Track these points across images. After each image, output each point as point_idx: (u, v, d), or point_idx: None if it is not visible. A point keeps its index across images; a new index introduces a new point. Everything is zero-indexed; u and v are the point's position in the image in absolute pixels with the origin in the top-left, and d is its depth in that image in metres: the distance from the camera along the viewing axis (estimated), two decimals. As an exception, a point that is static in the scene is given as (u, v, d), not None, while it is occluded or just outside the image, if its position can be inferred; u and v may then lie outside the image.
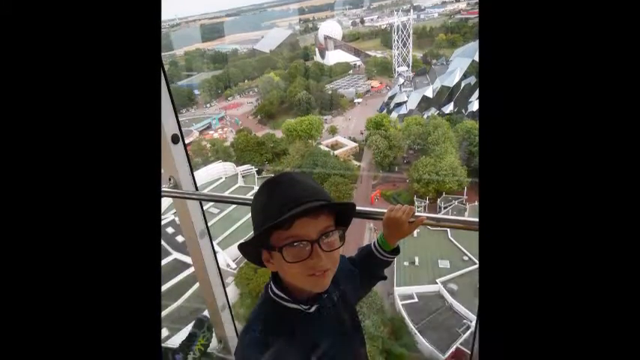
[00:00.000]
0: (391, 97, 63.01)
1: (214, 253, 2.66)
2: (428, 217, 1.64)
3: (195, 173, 2.52)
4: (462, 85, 56.61)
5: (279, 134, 55.48)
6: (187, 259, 25.53)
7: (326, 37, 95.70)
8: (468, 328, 23.81)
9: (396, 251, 1.70)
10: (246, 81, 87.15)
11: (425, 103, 58.78)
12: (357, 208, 1.49)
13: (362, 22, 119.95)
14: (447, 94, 57.68)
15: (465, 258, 28.70)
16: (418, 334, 24.38)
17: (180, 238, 28.55)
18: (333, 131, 59.05)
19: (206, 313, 2.88)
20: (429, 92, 58.90)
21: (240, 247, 1.36)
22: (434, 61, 75.95)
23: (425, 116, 53.77)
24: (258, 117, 70.08)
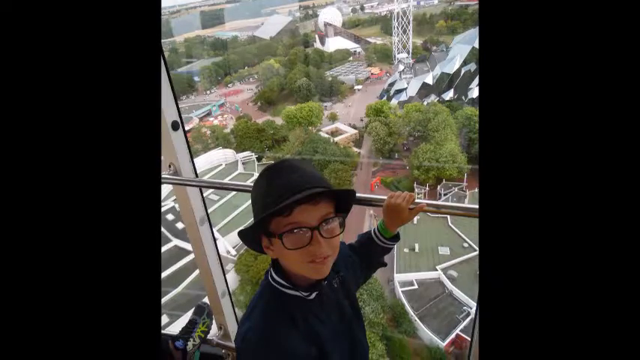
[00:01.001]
0: (391, 84, 62.96)
1: (214, 239, 2.65)
2: (428, 204, 1.64)
3: (195, 160, 2.51)
4: (462, 71, 56.47)
5: (279, 121, 55.48)
6: (187, 246, 25.66)
7: (326, 24, 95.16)
8: (468, 314, 23.98)
9: (396, 238, 1.70)
10: (246, 68, 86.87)
11: (425, 89, 58.70)
12: (357, 194, 1.49)
13: (362, 8, 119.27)
14: (447, 81, 57.57)
15: (465, 245, 28.83)
16: (418, 321, 24.57)
17: (180, 225, 28.67)
18: (333, 118, 58.97)
19: (206, 299, 2.88)
20: (429, 79, 58.80)
21: (240, 234, 1.36)
22: (434, 47, 75.87)
23: (425, 103, 53.70)
24: (258, 104, 70.02)
